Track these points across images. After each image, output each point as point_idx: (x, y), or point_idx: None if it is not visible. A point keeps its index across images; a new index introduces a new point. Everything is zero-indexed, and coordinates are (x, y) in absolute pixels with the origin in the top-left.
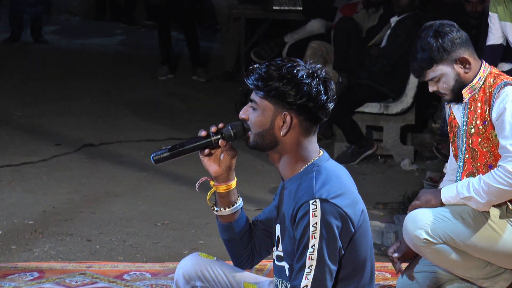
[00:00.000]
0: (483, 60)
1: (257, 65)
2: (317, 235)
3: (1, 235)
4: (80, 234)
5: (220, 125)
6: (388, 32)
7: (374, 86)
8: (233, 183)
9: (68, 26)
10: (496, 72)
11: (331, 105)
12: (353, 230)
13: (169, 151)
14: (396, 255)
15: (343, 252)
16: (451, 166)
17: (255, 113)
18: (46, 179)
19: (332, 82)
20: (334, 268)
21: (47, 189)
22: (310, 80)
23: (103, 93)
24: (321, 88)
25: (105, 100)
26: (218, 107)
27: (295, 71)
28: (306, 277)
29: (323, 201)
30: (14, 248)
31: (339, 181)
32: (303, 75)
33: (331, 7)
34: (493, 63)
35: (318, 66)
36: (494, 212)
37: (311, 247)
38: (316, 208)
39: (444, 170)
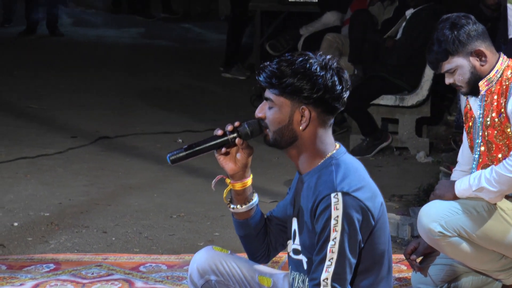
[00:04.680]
0: (501, 53)
1: (267, 62)
2: (339, 228)
3: (17, 227)
4: (96, 226)
5: (236, 124)
6: (403, 24)
7: (389, 79)
8: (249, 181)
9: (84, 19)
10: None
11: (346, 94)
12: (373, 223)
13: (185, 150)
14: (414, 257)
15: (362, 245)
16: (463, 156)
17: (272, 110)
18: (62, 171)
19: (345, 71)
20: (354, 261)
21: (63, 181)
22: (324, 72)
23: (119, 85)
24: (335, 79)
25: (120, 93)
26: (234, 99)
27: (307, 65)
28: (326, 269)
29: (345, 194)
30: (30, 240)
31: (358, 174)
32: (316, 68)
33: (346, 0)
34: None
35: (329, 57)
36: (508, 205)
37: (332, 240)
38: (338, 201)
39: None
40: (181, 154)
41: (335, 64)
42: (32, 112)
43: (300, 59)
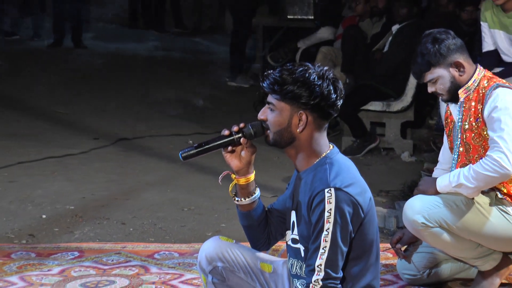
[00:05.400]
0: (478, 64)
1: (271, 70)
2: (332, 220)
3: (45, 219)
4: (115, 218)
5: (241, 125)
6: (390, 38)
7: (378, 87)
8: (252, 176)
9: (105, 33)
10: (490, 75)
11: (340, 102)
12: (362, 215)
13: (195, 148)
14: (399, 245)
15: (353, 235)
16: (443, 156)
17: (273, 113)
18: (85, 169)
19: (339, 81)
20: (345, 249)
21: (86, 178)
22: (321, 81)
23: (136, 92)
24: (331, 88)
25: (138, 99)
26: (239, 105)
27: (307, 75)
28: (320, 257)
29: (337, 189)
30: (56, 231)
31: (350, 172)
32: (314, 78)
33: (339, 16)
34: (489, 67)
35: (326, 68)
36: (484, 200)
37: (326, 230)
38: (331, 196)
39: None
40: (191, 152)
41: (331, 75)
42: (59, 117)
43: (300, 69)
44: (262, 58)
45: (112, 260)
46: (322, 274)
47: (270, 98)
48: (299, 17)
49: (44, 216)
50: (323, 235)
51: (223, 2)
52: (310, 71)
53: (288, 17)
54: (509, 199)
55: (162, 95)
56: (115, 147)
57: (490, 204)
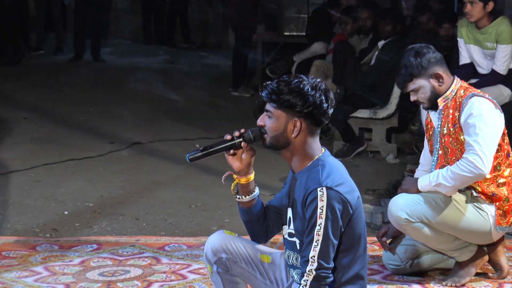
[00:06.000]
0: (455, 76)
1: (269, 82)
2: (324, 216)
3: (67, 215)
4: (130, 214)
5: (242, 130)
6: (376, 53)
7: (365, 96)
8: (252, 176)
9: (121, 48)
10: (466, 86)
11: (330, 111)
12: (351, 212)
13: (201, 151)
14: (384, 239)
15: (343, 229)
16: (424, 158)
17: (270, 120)
18: (103, 170)
19: (330, 92)
20: (336, 242)
21: (103, 178)
22: (314, 92)
23: (149, 101)
24: (323, 98)
25: (150, 107)
26: (240, 112)
27: (301, 86)
28: (313, 249)
29: (329, 188)
30: (77, 225)
31: (340, 173)
32: (308, 89)
33: (331, 32)
34: (466, 78)
35: (318, 80)
36: (461, 198)
37: (318, 225)
38: (323, 194)
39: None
40: (197, 155)
41: (323, 86)
42: (80, 122)
43: (295, 80)
44: (262, 70)
45: (127, 252)
46: (315, 264)
47: (268, 106)
48: (294, 33)
49: (66, 212)
50: (316, 230)
51: (226, 20)
52: (304, 82)
53: (285, 33)
54: (483, 197)
55: (171, 104)
56: (129, 150)
57: (466, 202)
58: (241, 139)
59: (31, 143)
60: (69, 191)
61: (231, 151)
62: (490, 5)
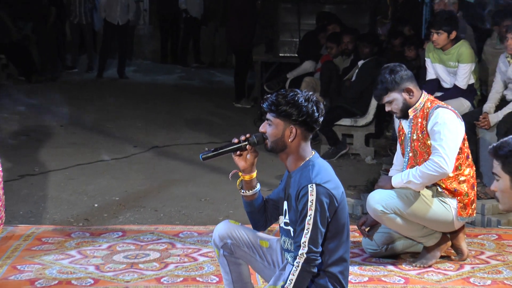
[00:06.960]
0: (423, 90)
1: (269, 95)
2: (313, 208)
3: (97, 207)
4: (150, 206)
5: (247, 135)
6: (357, 71)
7: (347, 107)
8: (254, 174)
9: (142, 67)
10: (432, 99)
11: (321, 119)
12: (336, 205)
13: (212, 152)
14: (363, 227)
15: (329, 219)
16: (397, 160)
17: (270, 127)
18: (127, 169)
19: (321, 103)
20: (323, 230)
21: (128, 177)
22: (307, 103)
23: (166, 112)
24: (315, 108)
25: (167, 116)
26: (242, 121)
27: (296, 98)
28: (305, 236)
29: (318, 185)
30: (105, 216)
31: (327, 172)
32: (302, 100)
33: (319, 53)
34: (432, 92)
35: (311, 93)
36: (428, 193)
37: (309, 216)
38: (313, 190)
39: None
40: (209, 154)
41: (314, 98)
42: (107, 130)
43: (291, 93)
44: (260, 86)
45: (147, 238)
46: (306, 249)
47: (268, 116)
48: (288, 54)
49: (96, 205)
50: (307, 219)
51: (228, 45)
52: (298, 95)
53: (280, 54)
54: (447, 192)
55: (185, 114)
56: (149, 153)
57: (432, 196)
58: (246, 143)
59: (66, 147)
60: (98, 187)
61: (238, 152)
62: (453, 34)
